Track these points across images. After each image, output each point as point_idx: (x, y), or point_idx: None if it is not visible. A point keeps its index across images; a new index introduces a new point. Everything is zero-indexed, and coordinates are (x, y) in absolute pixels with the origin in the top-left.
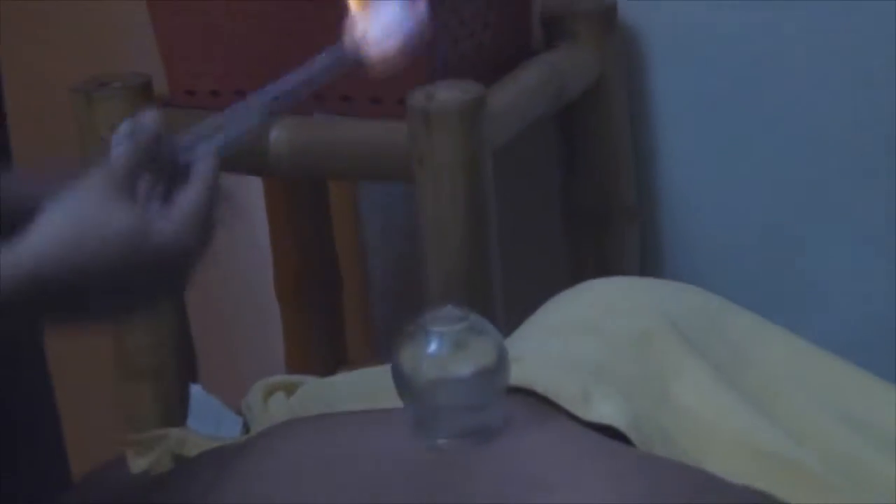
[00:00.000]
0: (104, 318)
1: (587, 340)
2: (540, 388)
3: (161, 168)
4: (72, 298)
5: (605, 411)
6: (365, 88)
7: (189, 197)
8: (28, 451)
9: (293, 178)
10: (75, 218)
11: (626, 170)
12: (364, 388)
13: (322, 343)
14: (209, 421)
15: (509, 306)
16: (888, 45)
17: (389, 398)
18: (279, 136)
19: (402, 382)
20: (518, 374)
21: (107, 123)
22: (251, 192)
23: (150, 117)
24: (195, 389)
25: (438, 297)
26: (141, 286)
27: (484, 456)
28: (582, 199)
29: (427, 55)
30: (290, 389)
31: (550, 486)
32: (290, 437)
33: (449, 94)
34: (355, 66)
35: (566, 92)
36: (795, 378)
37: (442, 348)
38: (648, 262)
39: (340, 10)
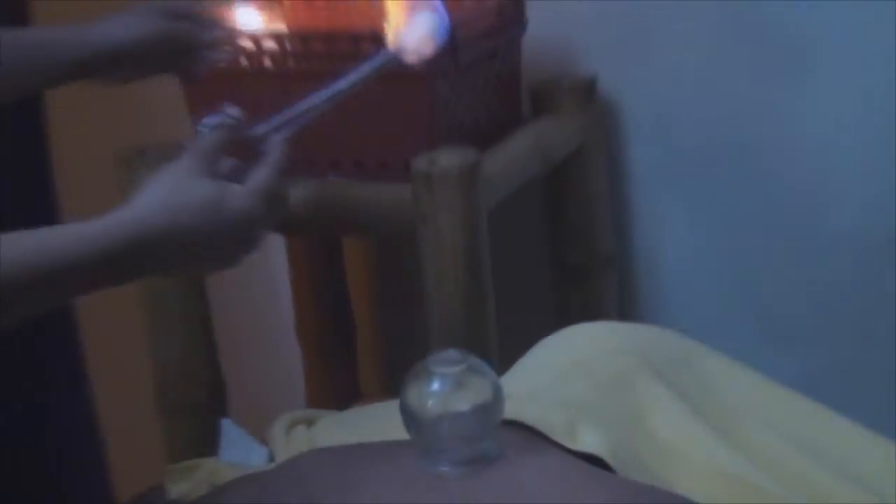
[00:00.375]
0: (186, 272)
1: (572, 379)
2: (531, 422)
3: (239, 151)
4: (162, 254)
5: (588, 441)
6: (374, 154)
7: (260, 175)
8: (77, 478)
9: (311, 235)
10: (167, 189)
11: (605, 225)
12: (375, 421)
13: (338, 381)
14: (239, 451)
15: (503, 348)
16: (843, 125)
17: (398, 431)
18: (298, 197)
19: (409, 417)
20: (511, 410)
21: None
22: (275, 248)
23: (231, 110)
24: (226, 423)
25: (440, 341)
26: (217, 245)
27: (483, 481)
28: (566, 252)
29: (429, 125)
30: (309, 422)
31: None
32: (314, 465)
33: (449, 159)
34: (395, 66)
35: (551, 157)
36: (758, 411)
37: (444, 387)
38: (625, 306)
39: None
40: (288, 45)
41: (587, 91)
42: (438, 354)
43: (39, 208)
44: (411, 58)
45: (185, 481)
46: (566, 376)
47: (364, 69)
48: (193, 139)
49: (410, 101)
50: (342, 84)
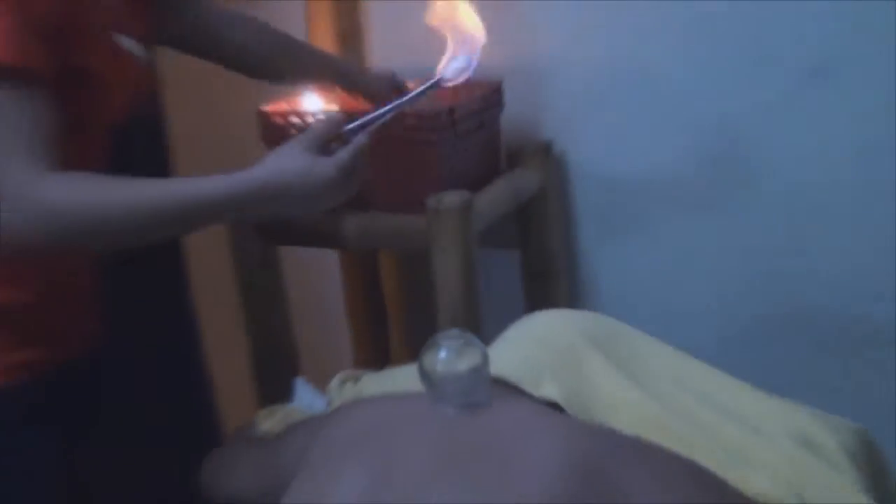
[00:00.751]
0: (289, 213)
1: (536, 349)
2: (509, 378)
3: (334, 138)
4: (274, 197)
5: (548, 391)
6: (400, 196)
7: (342, 154)
8: (200, 418)
9: (356, 251)
10: (283, 156)
11: (558, 245)
12: (401, 379)
13: (375, 351)
14: (306, 400)
15: (488, 328)
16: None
17: (416, 386)
18: (348, 225)
19: (424, 376)
20: (495, 370)
21: None
22: (331, 260)
23: (332, 116)
24: (298, 380)
25: (445, 323)
26: (308, 196)
27: (475, 419)
28: (531, 263)
29: (437, 175)
30: (356, 379)
31: (518, 435)
32: (357, 409)
33: (451, 199)
34: (441, 88)
35: (520, 197)
36: (670, 372)
37: (448, 355)
38: (572, 300)
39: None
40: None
41: (545, 151)
42: (444, 332)
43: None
44: (450, 83)
45: (269, 420)
46: (532, 347)
47: (419, 90)
48: (303, 128)
49: (424, 160)
50: (405, 100)
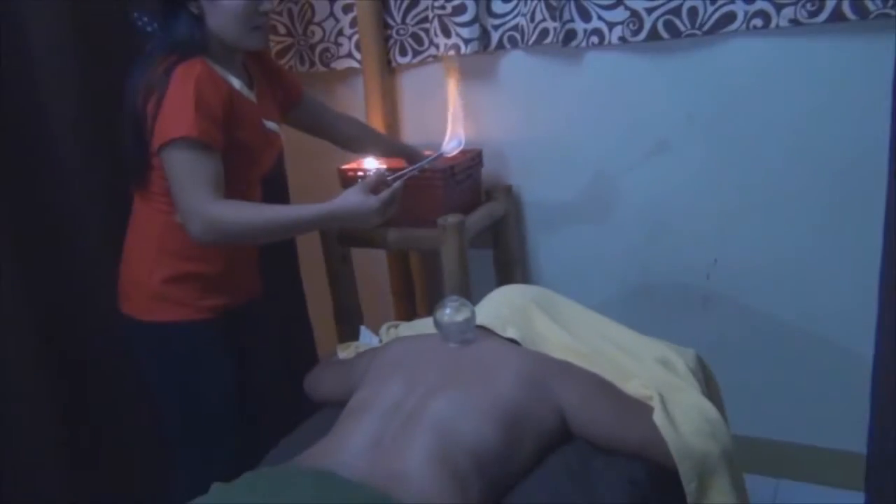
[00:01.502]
0: (355, 226)
1: (502, 307)
2: (486, 324)
3: (381, 184)
4: (343, 219)
5: (511, 333)
6: (421, 217)
7: (385, 194)
8: (303, 348)
9: (396, 251)
10: (349, 196)
11: (516, 246)
12: (422, 326)
13: (407, 310)
14: (367, 338)
15: (475, 295)
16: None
17: (431, 329)
18: (390, 235)
19: (436, 323)
20: (479, 320)
21: (332, 230)
22: (381, 256)
23: (379, 171)
24: (362, 327)
25: (450, 293)
26: (365, 218)
27: (469, 349)
28: (499, 257)
29: (443, 204)
30: (396, 326)
31: (494, 359)
32: (396, 344)
33: (452, 219)
34: (445, 156)
35: (494, 218)
36: (583, 321)
37: (451, 311)
38: (525, 280)
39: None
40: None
41: (508, 190)
42: (449, 297)
43: (285, 244)
44: (450, 154)
45: (345, 351)
46: (500, 306)
47: (432, 158)
48: (363, 178)
49: (436, 196)
50: (424, 163)
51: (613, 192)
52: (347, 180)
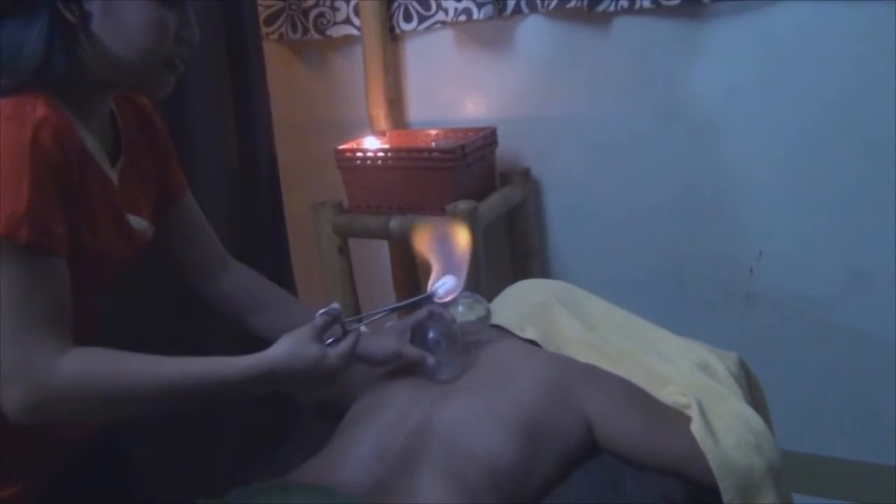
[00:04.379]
0: (293, 392)
1: (520, 305)
2: (503, 324)
3: (334, 331)
4: (281, 381)
5: (529, 333)
6: (428, 203)
7: (343, 346)
8: None
9: (398, 241)
10: (294, 346)
11: (534, 236)
12: None
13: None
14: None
15: (490, 291)
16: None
17: None
18: (393, 224)
19: None
20: (495, 319)
21: (327, 219)
22: (382, 248)
23: (335, 307)
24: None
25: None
26: (313, 381)
27: (483, 351)
28: (515, 248)
29: (453, 189)
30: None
31: (511, 362)
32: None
33: (463, 205)
34: (428, 302)
35: (509, 205)
36: (608, 319)
37: (463, 308)
38: (545, 273)
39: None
40: (390, 154)
41: (525, 174)
42: (461, 293)
43: (274, 233)
44: (440, 300)
45: None
46: (518, 304)
47: (411, 301)
48: (313, 320)
49: (445, 180)
50: (390, 308)
51: (644, 176)
52: (345, 162)
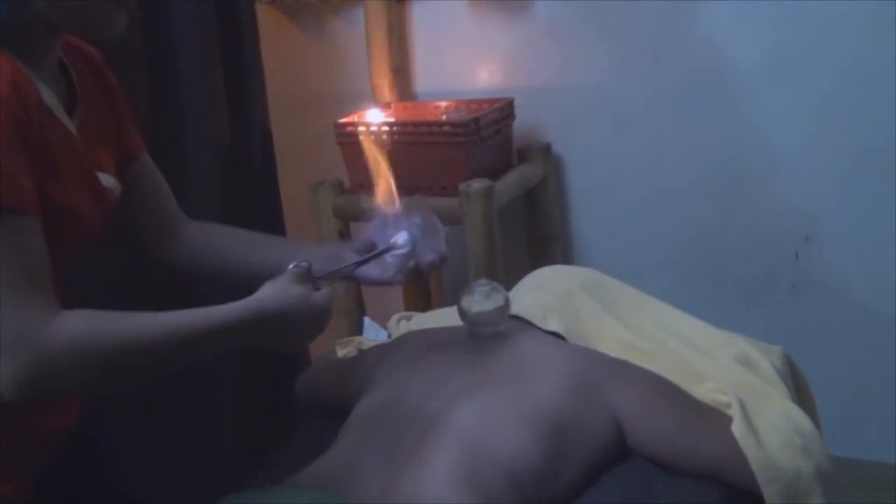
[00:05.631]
0: (281, 346)
1: (542, 293)
2: (523, 315)
3: (314, 279)
4: (269, 326)
5: (552, 324)
6: (441, 182)
7: (324, 291)
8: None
9: None
10: (278, 286)
11: (556, 219)
12: (441, 317)
13: (420, 298)
14: (372, 333)
15: (508, 279)
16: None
17: (452, 321)
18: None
19: (462, 312)
20: (514, 309)
21: (326, 200)
22: None
23: (302, 264)
24: (366, 319)
25: (477, 275)
26: (307, 325)
27: (500, 345)
28: (534, 232)
29: (466, 168)
30: (408, 318)
31: (533, 356)
32: (413, 337)
33: (477, 185)
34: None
35: (527, 185)
36: (641, 309)
37: (480, 297)
38: (566, 258)
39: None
40: (396, 128)
41: (546, 150)
42: (477, 281)
43: (269, 216)
44: (398, 251)
45: (345, 348)
46: (540, 293)
47: (369, 255)
48: (290, 268)
49: (457, 156)
50: (355, 263)
51: (675, 152)
52: (345, 138)
